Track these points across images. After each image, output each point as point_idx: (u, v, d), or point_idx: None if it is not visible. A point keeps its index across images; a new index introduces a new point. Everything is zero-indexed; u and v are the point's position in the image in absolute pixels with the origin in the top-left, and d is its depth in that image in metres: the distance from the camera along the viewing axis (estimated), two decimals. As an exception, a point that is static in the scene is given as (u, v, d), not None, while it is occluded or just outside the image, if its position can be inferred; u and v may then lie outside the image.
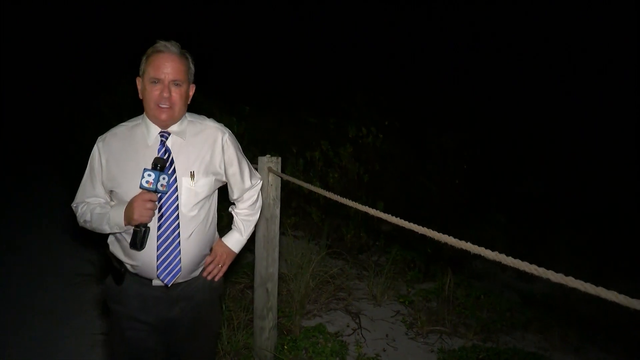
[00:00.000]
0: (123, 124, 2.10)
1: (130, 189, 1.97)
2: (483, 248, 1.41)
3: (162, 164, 1.92)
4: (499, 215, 5.87)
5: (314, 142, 5.50)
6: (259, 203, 2.35)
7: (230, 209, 2.34)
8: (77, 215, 2.13)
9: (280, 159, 3.06)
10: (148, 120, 2.04)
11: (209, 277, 2.17)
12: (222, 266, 2.22)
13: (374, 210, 1.92)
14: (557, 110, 9.71)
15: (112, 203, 2.06)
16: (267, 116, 8.25)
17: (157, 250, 1.98)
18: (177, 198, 2.00)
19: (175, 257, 2.01)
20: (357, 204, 2.06)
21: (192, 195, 2.02)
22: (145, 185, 1.88)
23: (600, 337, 3.77)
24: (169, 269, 2.01)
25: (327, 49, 13.59)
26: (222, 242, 2.25)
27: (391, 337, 3.57)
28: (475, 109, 9.15)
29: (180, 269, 2.02)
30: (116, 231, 2.01)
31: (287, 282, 3.75)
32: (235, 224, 2.31)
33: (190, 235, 2.03)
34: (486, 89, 10.42)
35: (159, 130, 2.02)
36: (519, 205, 6.56)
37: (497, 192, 6.86)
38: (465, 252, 4.39)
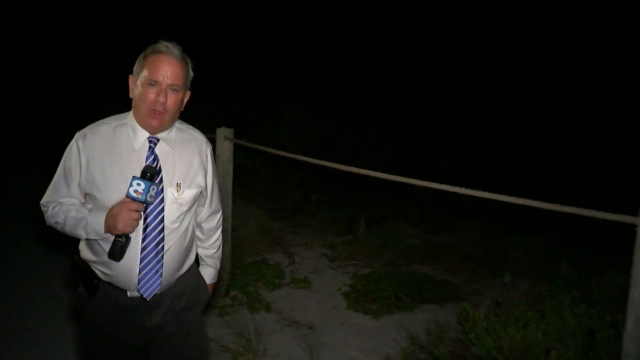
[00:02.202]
0: (105, 121, 2.03)
1: (112, 195, 1.92)
2: (450, 185, 2.64)
3: (152, 173, 1.87)
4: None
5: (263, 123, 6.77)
6: (221, 239, 2.43)
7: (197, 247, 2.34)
8: (46, 215, 2.06)
9: (233, 130, 4.25)
10: (135, 122, 1.99)
11: None
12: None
13: (326, 162, 3.03)
14: (484, 97, 11.30)
15: (89, 206, 1.99)
16: (226, 100, 9.38)
17: (140, 263, 1.95)
18: (162, 209, 1.97)
19: (157, 270, 1.98)
20: (304, 157, 3.10)
21: (176, 207, 2.01)
22: (133, 194, 1.83)
23: (476, 267, 5.16)
24: (150, 282, 1.98)
25: (285, 41, 14.55)
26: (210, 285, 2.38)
27: (317, 268, 4.84)
28: (414, 97, 10.55)
29: (160, 283, 2.00)
30: (92, 238, 1.94)
31: (238, 230, 4.95)
32: (207, 262, 2.37)
33: (171, 247, 2.02)
34: (424, 79, 11.88)
35: (148, 135, 1.98)
36: (446, 178, 7.96)
37: (426, 167, 8.18)
38: (380, 213, 6.08)
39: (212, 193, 2.22)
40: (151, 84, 1.91)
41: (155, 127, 1.96)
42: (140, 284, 1.96)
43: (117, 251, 1.87)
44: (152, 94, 1.91)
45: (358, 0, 14.48)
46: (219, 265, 2.42)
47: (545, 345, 2.65)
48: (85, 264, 2.04)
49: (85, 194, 2.00)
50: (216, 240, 2.37)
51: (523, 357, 2.70)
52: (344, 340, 3.74)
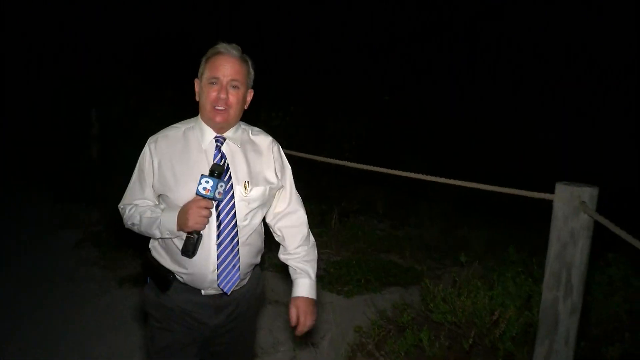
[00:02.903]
0: (175, 125, 2.14)
1: (183, 195, 2.00)
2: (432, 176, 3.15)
3: (219, 171, 1.94)
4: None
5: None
6: (312, 237, 2.32)
7: (281, 257, 2.29)
8: (124, 217, 2.17)
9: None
10: (203, 123, 2.10)
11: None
12: (308, 322, 2.20)
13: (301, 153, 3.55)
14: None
15: (162, 207, 2.09)
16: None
17: (218, 259, 2.03)
18: (233, 206, 2.03)
19: (235, 265, 2.05)
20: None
21: (245, 204, 2.06)
22: (202, 192, 1.90)
23: (437, 256, 5.73)
24: (229, 277, 2.05)
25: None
26: (296, 297, 2.20)
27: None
28: (370, 100, 11.17)
29: (239, 277, 2.07)
30: (167, 237, 2.03)
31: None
32: (299, 269, 2.23)
33: (244, 244, 2.08)
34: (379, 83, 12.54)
35: (214, 134, 2.08)
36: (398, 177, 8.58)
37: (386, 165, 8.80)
38: (350, 208, 6.68)
39: (284, 190, 2.23)
40: (212, 82, 2.02)
41: (219, 124, 2.05)
42: (220, 279, 2.03)
43: (190, 247, 1.95)
44: (213, 91, 2.02)
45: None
46: (314, 277, 2.25)
47: (491, 308, 3.20)
48: (156, 262, 2.13)
49: (159, 196, 2.11)
50: (304, 238, 2.26)
51: (472, 319, 3.24)
52: (319, 316, 4.23)
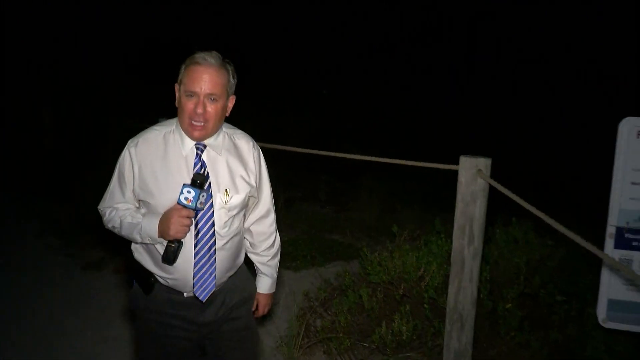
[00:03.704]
0: (155, 128, 2.12)
1: (163, 201, 2.02)
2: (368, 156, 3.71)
3: (201, 181, 1.95)
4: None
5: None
6: (278, 240, 2.48)
7: (249, 253, 2.44)
8: (104, 219, 2.20)
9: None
10: (182, 129, 2.08)
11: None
12: (265, 311, 2.52)
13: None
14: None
15: (142, 211, 2.11)
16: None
17: (195, 267, 2.07)
18: (212, 215, 2.06)
19: (211, 273, 2.10)
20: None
21: (225, 212, 2.10)
22: (184, 202, 1.92)
23: (376, 235, 6.41)
24: (204, 285, 2.10)
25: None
26: (258, 293, 2.45)
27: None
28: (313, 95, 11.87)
29: (214, 285, 2.13)
30: (147, 242, 2.07)
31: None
32: (262, 271, 2.46)
33: (222, 250, 2.13)
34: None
35: (194, 142, 2.07)
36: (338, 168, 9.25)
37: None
38: (294, 196, 7.39)
39: (260, 196, 2.29)
40: (189, 95, 2.00)
41: (197, 138, 2.06)
42: (196, 287, 2.09)
43: (170, 256, 2.00)
44: (191, 104, 2.00)
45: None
46: (275, 275, 2.49)
47: (418, 266, 3.86)
48: (139, 264, 2.18)
49: (138, 200, 2.12)
50: (270, 246, 2.41)
51: (403, 276, 3.89)
52: (272, 287, 4.84)
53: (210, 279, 2.11)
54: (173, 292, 2.15)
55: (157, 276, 2.15)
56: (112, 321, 4.24)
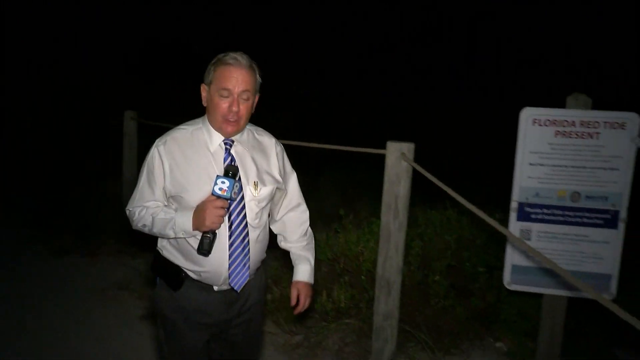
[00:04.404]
0: (182, 127, 2.21)
1: (196, 195, 2.09)
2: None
3: (234, 172, 2.04)
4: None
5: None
6: (310, 229, 2.54)
7: (282, 245, 2.50)
8: (133, 219, 2.24)
9: (136, 112, 5.53)
10: (210, 126, 2.17)
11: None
12: (307, 303, 2.44)
13: None
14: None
15: (174, 207, 2.16)
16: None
17: (230, 258, 2.14)
18: (244, 206, 2.15)
19: (245, 263, 2.17)
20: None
21: (255, 204, 2.19)
22: (219, 192, 1.99)
23: (330, 222, 6.79)
24: (240, 275, 2.17)
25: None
26: (297, 281, 2.42)
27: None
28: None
29: (249, 275, 2.21)
30: (181, 237, 2.12)
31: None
32: (301, 257, 2.45)
33: (255, 242, 2.21)
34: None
35: (222, 138, 2.16)
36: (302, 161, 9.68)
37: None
38: None
39: (287, 188, 2.40)
40: (223, 95, 2.09)
41: (230, 133, 2.16)
42: (231, 278, 2.16)
43: (206, 247, 2.05)
44: (225, 103, 2.10)
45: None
46: (313, 262, 2.49)
47: (358, 243, 4.27)
48: (167, 261, 2.22)
49: (169, 197, 2.17)
50: (303, 234, 2.48)
51: (346, 253, 4.29)
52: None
53: (244, 270, 2.18)
54: (203, 288, 2.20)
55: (188, 271, 2.19)
56: (85, 300, 4.58)
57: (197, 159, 2.14)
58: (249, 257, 2.18)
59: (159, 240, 2.26)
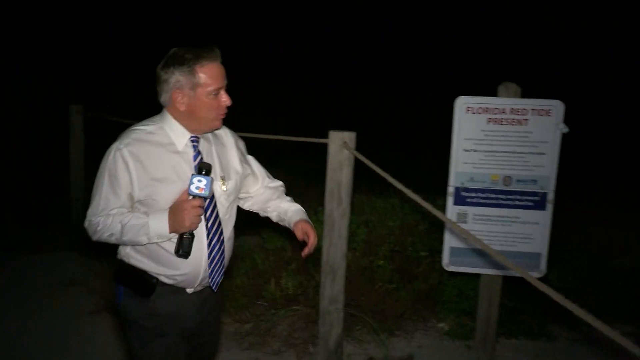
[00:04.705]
0: (140, 127, 2.09)
1: (168, 197, 2.02)
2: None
3: (208, 169, 1.99)
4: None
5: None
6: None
7: (268, 212, 2.50)
8: (96, 230, 2.07)
9: (82, 105, 5.47)
10: (176, 124, 2.08)
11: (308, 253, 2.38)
12: (315, 239, 2.39)
13: None
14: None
15: (142, 211, 2.04)
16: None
17: (209, 257, 2.10)
18: (215, 202, 2.12)
19: (221, 260, 2.15)
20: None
21: (225, 198, 2.16)
22: (196, 191, 1.94)
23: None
24: (218, 273, 2.15)
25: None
26: (298, 221, 2.40)
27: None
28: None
29: (224, 272, 2.19)
30: (156, 241, 2.03)
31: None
32: (287, 207, 2.48)
33: (228, 239, 2.19)
34: None
35: (189, 135, 2.09)
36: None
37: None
38: None
39: (253, 169, 2.39)
40: (216, 94, 2.04)
41: (218, 127, 2.17)
42: (211, 277, 2.13)
43: (187, 248, 2.00)
44: (216, 101, 2.05)
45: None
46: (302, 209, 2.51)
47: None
48: (136, 269, 2.10)
49: (137, 202, 2.05)
50: (282, 194, 2.52)
51: (293, 240, 4.37)
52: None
53: (221, 268, 2.16)
54: (176, 291, 2.13)
55: (160, 276, 2.10)
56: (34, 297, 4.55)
57: (164, 159, 2.05)
58: (225, 254, 2.16)
59: (121, 248, 2.15)
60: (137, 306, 2.12)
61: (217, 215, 2.12)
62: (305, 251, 2.37)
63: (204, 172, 1.98)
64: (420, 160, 8.70)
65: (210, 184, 1.96)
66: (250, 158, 2.41)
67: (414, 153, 9.22)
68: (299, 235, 2.38)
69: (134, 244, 2.06)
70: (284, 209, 2.47)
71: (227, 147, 2.26)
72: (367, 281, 4.10)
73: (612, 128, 12.34)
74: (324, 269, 3.58)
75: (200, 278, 2.11)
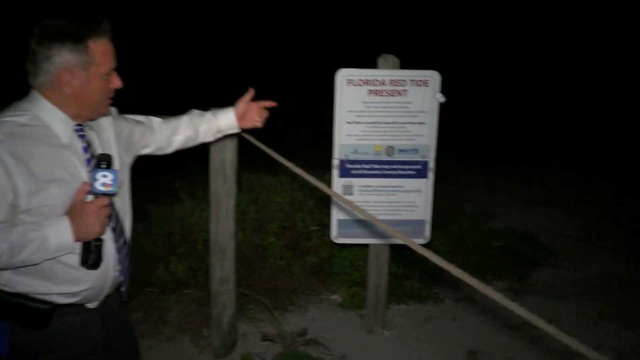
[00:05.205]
0: (7, 119, 1.67)
1: (61, 200, 1.68)
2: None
3: (108, 161, 1.73)
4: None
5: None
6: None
7: (199, 127, 2.31)
8: None
9: None
10: (57, 112, 1.73)
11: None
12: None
13: None
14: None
15: (30, 222, 1.65)
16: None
17: (120, 263, 1.87)
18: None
19: (127, 262, 1.92)
20: None
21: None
22: (102, 188, 1.68)
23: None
24: (126, 276, 1.92)
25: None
26: (239, 105, 2.34)
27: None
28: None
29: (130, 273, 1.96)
30: (57, 255, 1.68)
31: None
32: (208, 115, 2.33)
33: (128, 231, 1.97)
34: None
35: (72, 124, 1.76)
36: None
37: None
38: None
39: (153, 125, 2.20)
40: (108, 74, 1.78)
41: (105, 114, 1.91)
42: (122, 283, 1.92)
43: (98, 257, 1.73)
44: (107, 83, 1.79)
45: None
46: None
47: (194, 214, 4.21)
48: (23, 297, 1.72)
49: (23, 212, 1.65)
50: (184, 118, 2.31)
51: (182, 224, 4.22)
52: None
53: (129, 269, 1.94)
54: (76, 311, 1.82)
55: (58, 297, 1.75)
56: None
57: (50, 156, 1.69)
58: (129, 253, 1.93)
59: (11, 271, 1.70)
60: (30, 343, 1.75)
61: (116, 210, 1.87)
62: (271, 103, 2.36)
63: (104, 165, 1.71)
64: (311, 134, 8.70)
65: (117, 178, 1.71)
66: (126, 116, 2.14)
67: (305, 127, 9.15)
68: (255, 115, 2.34)
69: (26, 264, 1.66)
70: (205, 119, 2.30)
71: (105, 129, 1.93)
72: (259, 259, 4.04)
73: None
74: (212, 250, 3.47)
75: (107, 288, 1.85)
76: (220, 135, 2.43)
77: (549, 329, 1.35)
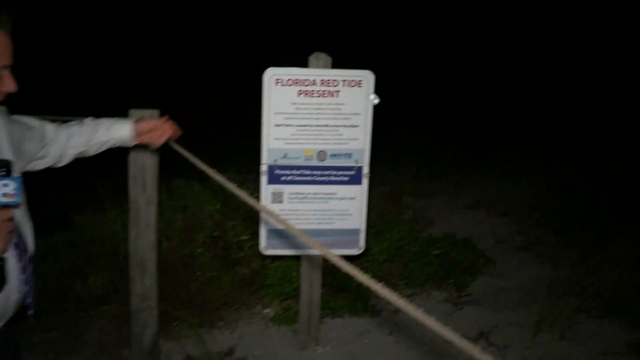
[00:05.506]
0: None
1: None
2: None
3: (7, 167, 1.55)
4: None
5: None
6: None
7: (100, 138, 2.06)
8: None
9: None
10: None
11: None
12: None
13: None
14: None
15: None
16: None
17: (24, 281, 1.67)
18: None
19: (31, 277, 1.72)
20: None
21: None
22: (4, 199, 1.49)
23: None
24: (31, 293, 1.74)
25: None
26: (138, 122, 2.13)
27: None
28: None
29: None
30: None
31: None
32: (103, 123, 2.07)
33: (32, 245, 1.77)
34: None
35: None
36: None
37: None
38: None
39: (45, 132, 1.91)
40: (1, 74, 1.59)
41: None
42: (28, 301, 1.73)
43: (1, 277, 1.57)
44: (3, 84, 1.62)
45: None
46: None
47: (116, 223, 3.90)
48: None
49: None
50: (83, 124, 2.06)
51: (103, 234, 3.90)
52: None
53: (32, 284, 1.73)
54: None
55: None
56: None
57: None
58: (34, 271, 1.74)
59: None
60: None
61: (17, 224, 1.64)
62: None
63: (4, 173, 1.52)
64: (247, 139, 8.41)
65: (20, 187, 1.52)
66: (16, 117, 1.88)
67: (236, 132, 8.85)
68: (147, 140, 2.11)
69: None
70: (98, 126, 2.05)
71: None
72: (186, 271, 3.76)
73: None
74: (132, 263, 3.20)
75: (11, 309, 1.64)
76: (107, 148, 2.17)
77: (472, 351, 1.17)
